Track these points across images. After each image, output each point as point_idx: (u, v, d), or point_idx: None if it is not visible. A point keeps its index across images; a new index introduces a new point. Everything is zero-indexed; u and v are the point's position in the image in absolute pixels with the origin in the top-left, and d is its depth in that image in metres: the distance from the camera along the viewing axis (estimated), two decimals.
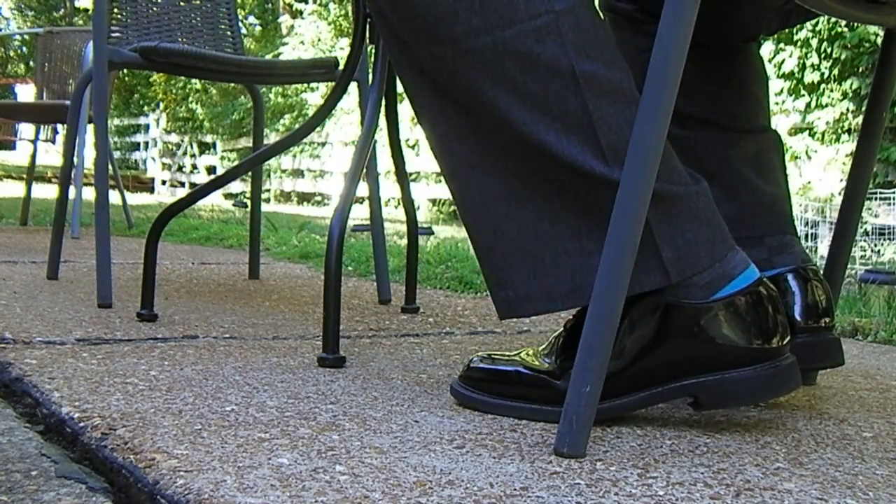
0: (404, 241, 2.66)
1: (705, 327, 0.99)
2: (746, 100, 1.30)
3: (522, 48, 0.98)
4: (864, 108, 1.31)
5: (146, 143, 16.96)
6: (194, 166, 15.33)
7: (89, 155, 4.01)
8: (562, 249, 1.01)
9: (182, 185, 15.11)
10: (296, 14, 15.11)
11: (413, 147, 10.63)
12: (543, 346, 1.11)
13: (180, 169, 15.69)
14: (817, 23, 6.52)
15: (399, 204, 8.24)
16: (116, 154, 16.80)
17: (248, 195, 7.35)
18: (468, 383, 1.10)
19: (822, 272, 1.26)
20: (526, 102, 0.99)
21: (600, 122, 0.98)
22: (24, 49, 25.52)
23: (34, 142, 4.81)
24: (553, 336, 1.11)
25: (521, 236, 1.03)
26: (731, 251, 1.02)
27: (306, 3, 14.62)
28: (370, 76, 1.78)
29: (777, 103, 6.91)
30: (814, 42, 6.65)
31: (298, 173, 13.14)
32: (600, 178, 0.98)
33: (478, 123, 1.03)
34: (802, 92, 6.83)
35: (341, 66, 1.80)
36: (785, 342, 1.02)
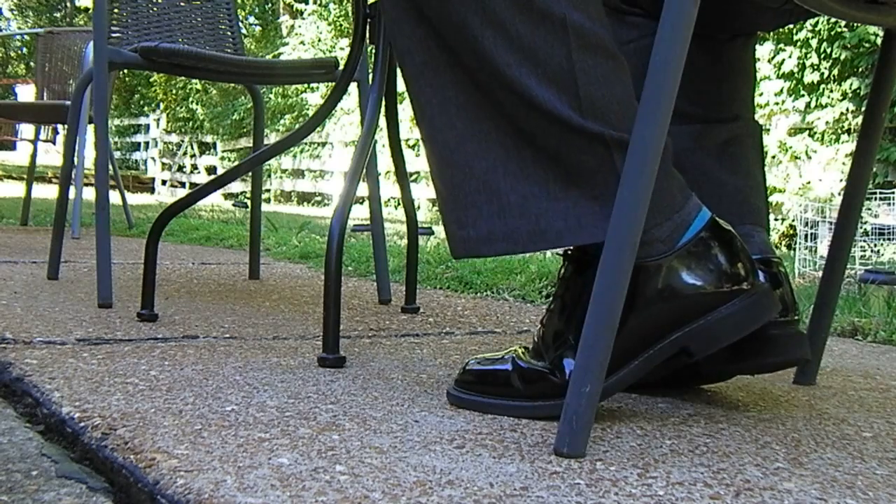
0: (404, 241, 2.66)
1: (673, 282, 1.01)
2: (718, 89, 1.30)
3: None
4: (863, 108, 1.31)
5: (146, 144, 16.96)
6: (194, 166, 15.33)
7: (89, 155, 4.01)
8: (528, 191, 1.01)
9: (182, 185, 15.11)
10: (296, 14, 15.11)
11: (413, 147, 10.62)
12: (530, 347, 1.11)
13: (180, 169, 15.69)
14: (817, 23, 6.52)
15: (399, 204, 8.24)
16: (117, 154, 16.82)
17: (248, 195, 7.35)
18: (464, 386, 1.11)
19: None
20: (512, 44, 0.99)
21: (581, 73, 0.98)
22: (25, 49, 25.52)
23: (34, 142, 4.81)
24: (535, 334, 1.11)
25: (490, 174, 1.02)
26: (686, 199, 1.04)
27: (306, 3, 14.62)
28: (370, 76, 1.78)
29: (777, 103, 6.90)
30: (814, 42, 6.64)
31: (299, 173, 13.14)
32: (575, 128, 0.99)
33: (458, 58, 1.03)
34: (802, 92, 6.82)
35: (341, 67, 1.81)
36: (753, 272, 1.03)
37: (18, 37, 25.53)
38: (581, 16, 0.98)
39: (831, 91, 6.65)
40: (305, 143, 12.62)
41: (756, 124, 1.34)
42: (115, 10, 2.31)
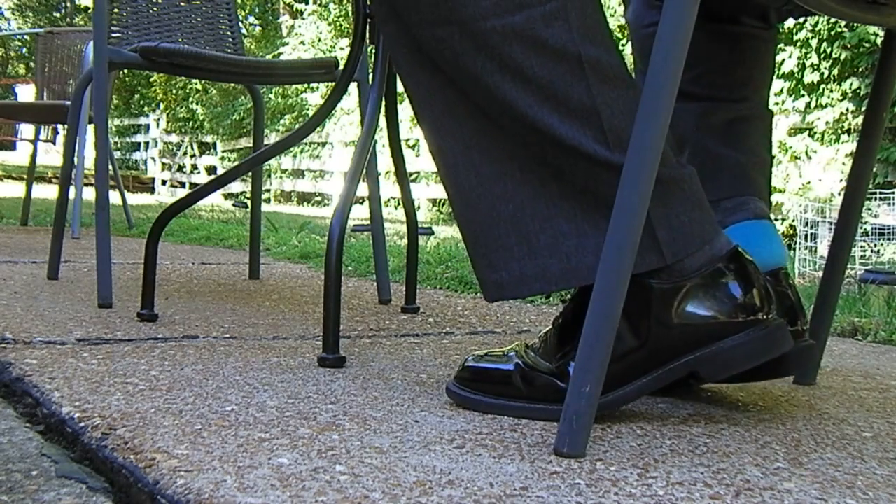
0: (404, 241, 2.66)
1: (690, 306, 1.01)
2: (731, 75, 1.30)
3: (531, 33, 0.98)
4: (864, 108, 1.31)
5: (146, 144, 16.96)
6: (194, 166, 15.33)
7: (89, 155, 4.01)
8: (558, 230, 1.02)
9: (182, 185, 15.11)
10: (296, 14, 15.11)
11: (413, 147, 10.62)
12: (534, 343, 1.11)
13: (180, 169, 15.69)
14: (817, 23, 6.52)
15: (399, 204, 8.24)
16: (117, 154, 16.81)
17: (248, 195, 7.34)
18: (463, 383, 1.10)
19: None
20: (530, 86, 0.99)
21: (604, 106, 0.98)
22: (25, 49, 25.51)
23: (34, 142, 4.81)
24: (543, 333, 1.11)
25: (517, 216, 1.03)
26: (717, 233, 1.04)
27: (306, 3, 14.62)
28: (370, 76, 1.78)
29: (777, 103, 6.90)
30: (814, 42, 6.65)
31: (299, 173, 13.14)
32: (602, 161, 0.99)
33: (476, 105, 1.03)
34: (802, 92, 6.82)
35: (341, 67, 1.80)
36: (769, 305, 1.03)
37: (18, 37, 25.53)
38: (596, 50, 0.98)
39: (831, 91, 6.66)
40: (305, 143, 12.62)
41: (767, 110, 1.34)
42: (115, 10, 2.31)
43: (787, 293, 1.18)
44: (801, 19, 6.28)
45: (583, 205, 1.01)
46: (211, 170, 14.78)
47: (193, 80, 14.72)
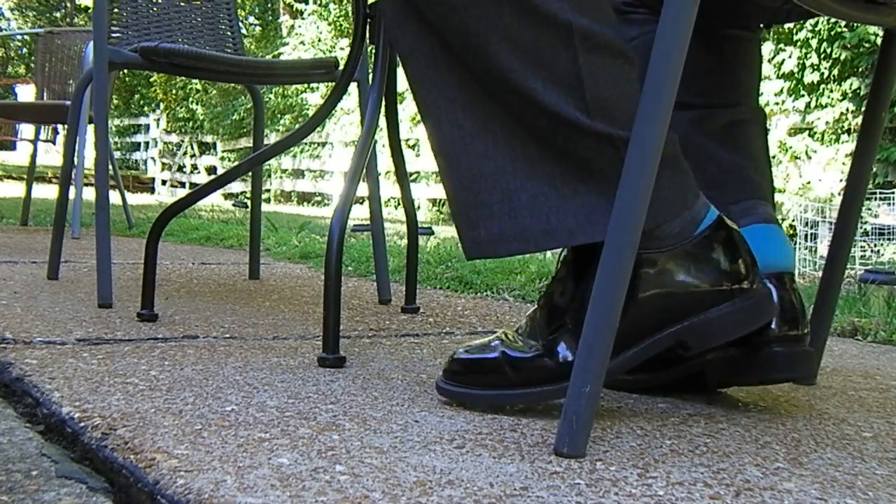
0: (404, 241, 2.66)
1: (674, 276, 1.01)
2: (719, 80, 1.30)
3: None
4: (863, 109, 1.31)
5: (146, 144, 16.97)
6: (194, 166, 15.33)
7: (89, 155, 4.01)
8: (539, 191, 1.01)
9: (182, 185, 15.11)
10: (296, 14, 15.11)
11: (413, 147, 10.62)
12: (521, 326, 1.11)
13: (180, 169, 15.69)
14: (817, 23, 6.52)
15: (399, 204, 8.23)
16: (116, 154, 16.81)
17: (248, 195, 7.34)
18: (452, 378, 1.09)
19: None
20: (517, 49, 0.99)
21: (588, 75, 0.98)
22: (25, 49, 25.52)
23: (34, 142, 4.81)
24: (527, 316, 1.11)
25: (499, 174, 1.02)
26: (696, 197, 1.04)
27: (306, 3, 14.62)
28: (370, 76, 1.78)
29: (777, 103, 6.91)
30: (813, 42, 6.65)
31: (299, 173, 13.14)
32: (581, 128, 0.99)
33: (462, 60, 1.03)
34: (802, 92, 6.82)
35: (341, 67, 1.80)
36: (755, 273, 1.03)
37: (18, 37, 25.53)
38: (587, 19, 0.98)
39: (831, 91, 6.66)
40: (305, 143, 12.62)
41: (760, 110, 1.34)
42: (115, 10, 2.31)
43: (791, 298, 1.18)
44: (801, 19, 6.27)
45: (562, 167, 1.01)
46: (211, 170, 14.78)
47: (193, 80, 14.72)
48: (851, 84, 6.46)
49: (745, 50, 1.32)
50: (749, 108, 1.32)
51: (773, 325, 1.14)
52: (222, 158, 14.46)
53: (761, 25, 1.36)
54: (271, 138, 12.46)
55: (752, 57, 1.34)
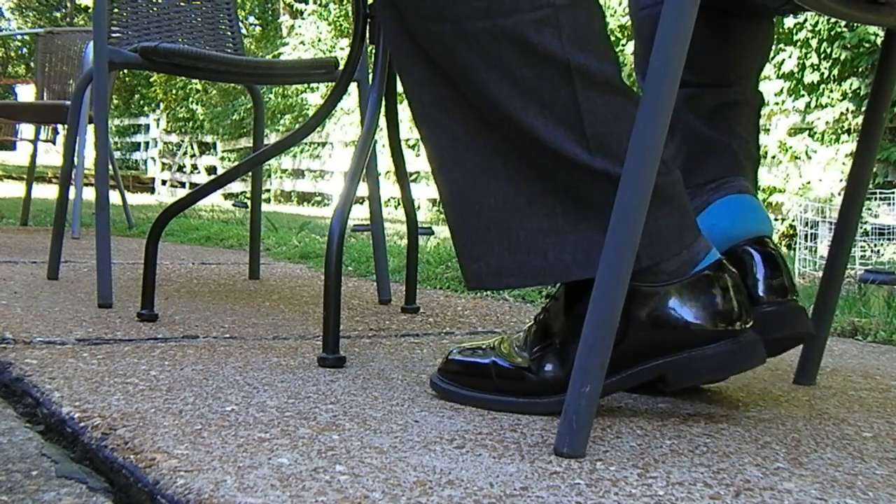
0: (404, 241, 2.66)
1: (665, 311, 1.01)
2: (718, 59, 1.30)
3: (520, 37, 0.99)
4: (864, 108, 1.31)
5: (146, 144, 16.96)
6: (194, 166, 15.33)
7: (89, 155, 4.01)
8: (537, 227, 1.03)
9: (182, 185, 15.11)
10: (296, 14, 15.11)
11: (413, 147, 10.62)
12: (518, 337, 1.13)
13: (180, 169, 15.69)
14: (817, 23, 6.51)
15: (399, 204, 8.23)
16: (116, 154, 16.81)
17: (248, 195, 7.34)
18: (446, 376, 1.13)
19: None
20: (517, 88, 1.00)
21: (587, 112, 1.00)
22: (25, 49, 25.52)
23: (34, 142, 4.81)
24: (527, 328, 1.12)
25: (499, 211, 1.05)
26: (696, 238, 1.04)
27: (306, 3, 14.61)
28: (370, 76, 1.78)
29: (777, 103, 6.90)
30: (814, 42, 6.64)
31: (299, 173, 13.13)
32: (582, 165, 1.00)
33: (465, 99, 1.05)
34: (802, 92, 6.82)
35: (341, 67, 1.80)
36: (746, 320, 1.03)
37: (18, 37, 25.53)
38: (586, 57, 1.00)
39: (831, 91, 6.65)
40: (305, 143, 12.62)
41: (757, 93, 1.35)
42: (115, 10, 2.31)
43: (774, 254, 1.21)
44: (802, 19, 6.28)
45: (563, 204, 1.03)
46: (211, 170, 14.78)
47: (193, 80, 14.72)
48: (851, 84, 6.46)
49: (749, 34, 1.32)
50: (742, 90, 1.32)
51: (759, 289, 1.16)
52: (222, 158, 14.46)
53: (765, 13, 1.35)
54: (271, 138, 12.46)
55: (757, 42, 1.34)
